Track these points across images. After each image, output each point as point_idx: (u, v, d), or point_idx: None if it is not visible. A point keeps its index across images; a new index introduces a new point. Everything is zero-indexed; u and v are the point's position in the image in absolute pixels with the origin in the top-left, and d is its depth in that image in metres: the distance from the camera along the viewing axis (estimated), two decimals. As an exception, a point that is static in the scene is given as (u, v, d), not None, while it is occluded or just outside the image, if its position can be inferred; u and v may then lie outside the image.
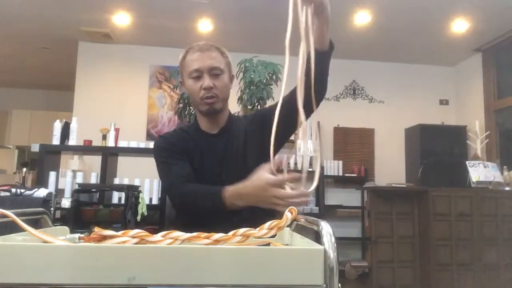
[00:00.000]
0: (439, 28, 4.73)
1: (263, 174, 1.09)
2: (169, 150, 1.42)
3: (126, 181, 3.78)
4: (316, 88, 1.26)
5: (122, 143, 3.66)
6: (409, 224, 3.74)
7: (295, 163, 5.22)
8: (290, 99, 1.37)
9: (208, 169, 1.41)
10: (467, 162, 3.91)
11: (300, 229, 0.87)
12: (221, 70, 1.41)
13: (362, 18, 4.53)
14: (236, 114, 1.52)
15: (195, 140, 1.45)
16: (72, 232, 0.89)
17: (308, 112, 1.35)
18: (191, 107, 3.79)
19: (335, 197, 5.47)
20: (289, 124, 1.31)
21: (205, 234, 0.75)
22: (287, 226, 0.85)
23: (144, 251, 0.57)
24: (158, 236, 0.71)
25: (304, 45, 0.96)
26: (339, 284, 0.60)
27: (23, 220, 0.71)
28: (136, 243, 0.69)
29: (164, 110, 5.51)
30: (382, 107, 5.80)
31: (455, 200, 3.61)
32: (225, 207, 1.21)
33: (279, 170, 1.05)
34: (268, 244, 0.83)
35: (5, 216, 0.72)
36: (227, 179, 1.31)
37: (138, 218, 2.88)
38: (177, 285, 0.56)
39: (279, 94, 1.33)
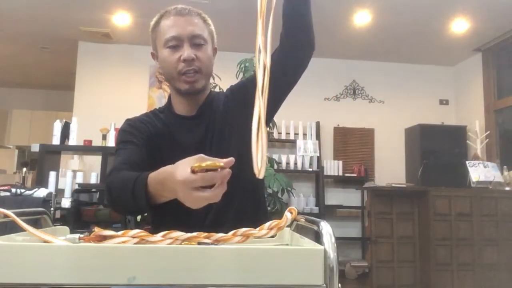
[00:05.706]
0: (439, 28, 4.73)
1: (183, 170, 0.76)
2: (131, 134, 1.16)
3: (126, 181, 3.77)
4: (297, 37, 1.10)
5: (122, 143, 3.65)
6: (409, 224, 3.75)
7: (295, 163, 5.23)
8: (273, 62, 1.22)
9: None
10: (467, 162, 3.91)
11: (300, 229, 0.87)
12: (204, 40, 1.16)
13: (362, 18, 4.52)
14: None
15: (165, 124, 1.20)
16: (72, 232, 0.89)
17: (299, 69, 1.18)
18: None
19: (335, 197, 5.46)
20: (276, 91, 1.11)
21: (205, 234, 0.74)
22: (287, 226, 0.85)
23: (144, 251, 0.57)
24: (158, 236, 0.71)
25: None
26: (339, 284, 0.60)
27: (23, 220, 0.71)
28: (136, 243, 0.69)
29: (164, 110, 5.51)
30: (382, 107, 5.80)
31: (455, 200, 3.61)
32: (146, 198, 0.91)
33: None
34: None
35: (5, 216, 0.72)
36: None
37: (138, 218, 2.88)
38: (177, 285, 0.56)
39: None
